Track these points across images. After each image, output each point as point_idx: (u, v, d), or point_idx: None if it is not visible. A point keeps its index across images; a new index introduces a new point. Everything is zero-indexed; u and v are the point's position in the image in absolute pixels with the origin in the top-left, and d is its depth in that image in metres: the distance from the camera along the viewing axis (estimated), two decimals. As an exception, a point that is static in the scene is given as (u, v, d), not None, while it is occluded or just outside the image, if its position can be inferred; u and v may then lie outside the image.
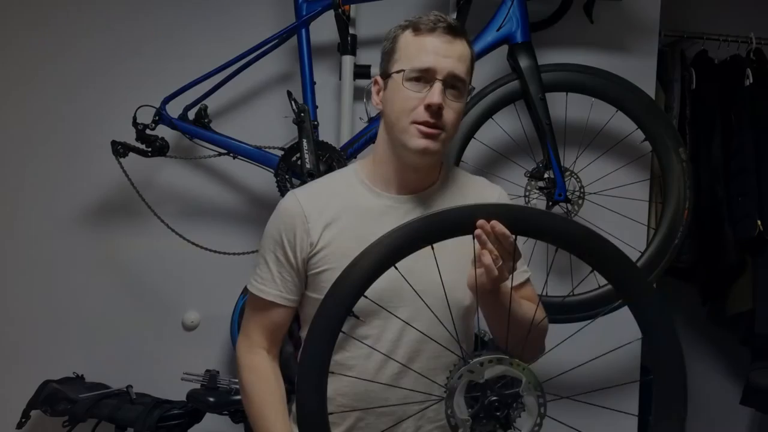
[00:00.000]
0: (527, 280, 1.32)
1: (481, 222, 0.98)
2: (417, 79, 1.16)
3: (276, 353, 1.29)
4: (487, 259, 1.03)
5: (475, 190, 1.30)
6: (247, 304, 1.31)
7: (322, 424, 0.95)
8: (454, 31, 1.17)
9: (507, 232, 0.98)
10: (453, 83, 1.16)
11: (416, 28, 1.18)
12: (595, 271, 0.99)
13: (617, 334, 1.98)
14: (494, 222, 0.98)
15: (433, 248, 0.98)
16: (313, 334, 0.96)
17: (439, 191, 1.27)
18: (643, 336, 0.94)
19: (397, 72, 1.18)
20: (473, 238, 1.01)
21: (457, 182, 1.30)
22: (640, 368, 2.11)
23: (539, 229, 0.98)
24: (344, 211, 1.23)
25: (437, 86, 1.14)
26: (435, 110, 1.14)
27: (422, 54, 1.16)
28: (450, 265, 1.19)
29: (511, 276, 1.08)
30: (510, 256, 1.03)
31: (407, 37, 1.19)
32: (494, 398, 0.94)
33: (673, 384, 0.94)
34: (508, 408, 0.95)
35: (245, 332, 1.29)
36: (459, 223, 0.98)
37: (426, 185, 1.26)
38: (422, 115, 1.15)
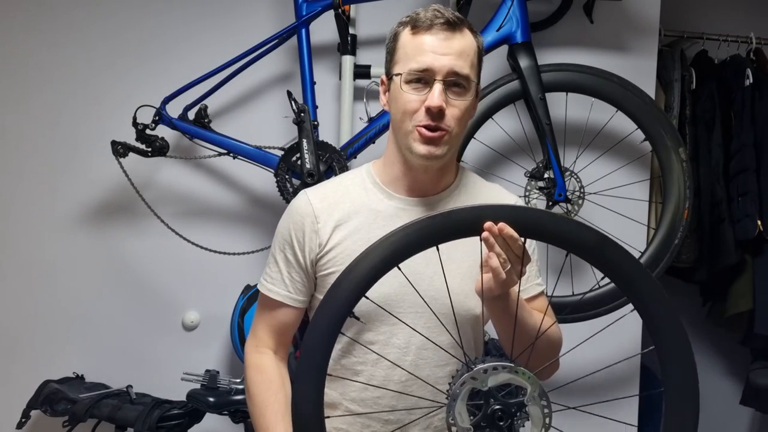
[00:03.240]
0: (541, 293, 1.28)
1: (488, 224, 0.94)
2: (417, 80, 1.14)
3: (284, 354, 1.28)
4: (494, 262, 0.99)
5: (489, 197, 1.27)
6: (257, 302, 1.30)
7: (316, 427, 0.93)
8: (453, 25, 1.14)
9: (515, 234, 0.94)
10: (455, 81, 1.13)
11: (414, 25, 1.15)
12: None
13: (617, 339, 2.00)
14: (502, 224, 0.94)
15: (438, 249, 0.95)
16: (312, 335, 0.93)
17: (452, 196, 1.24)
18: (656, 348, 0.91)
19: (397, 74, 1.16)
20: (480, 241, 0.97)
21: (471, 188, 1.27)
22: (640, 368, 2.12)
23: (549, 233, 0.93)
24: (355, 212, 1.21)
25: (437, 87, 1.12)
26: (435, 113, 1.12)
27: (420, 54, 1.13)
28: (462, 272, 1.18)
29: (519, 281, 1.04)
30: (519, 260, 1.00)
31: (406, 36, 1.16)
32: (497, 407, 0.91)
33: (686, 400, 0.90)
34: (512, 417, 0.91)
35: (253, 331, 1.28)
36: (465, 224, 0.94)
37: (439, 188, 1.24)
38: (424, 118, 1.13)
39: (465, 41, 1.15)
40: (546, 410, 0.91)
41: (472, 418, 0.92)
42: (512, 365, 0.91)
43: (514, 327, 1.06)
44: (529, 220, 0.94)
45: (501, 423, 0.91)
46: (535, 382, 0.91)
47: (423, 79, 1.13)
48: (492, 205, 0.97)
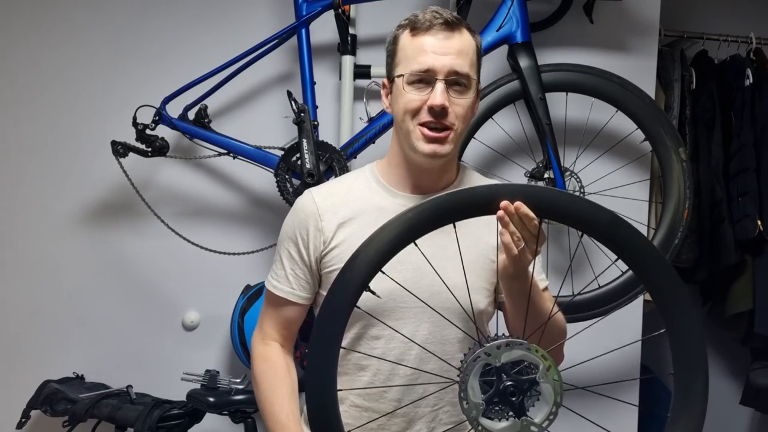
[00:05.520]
0: (545, 288, 1.29)
1: (504, 203, 0.94)
2: (419, 81, 1.16)
3: (290, 348, 1.31)
4: (507, 238, 1.00)
5: None
6: (264, 298, 1.32)
7: (330, 398, 0.91)
8: (452, 25, 1.16)
9: (531, 213, 0.95)
10: (456, 80, 1.16)
11: (413, 27, 1.17)
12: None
13: (617, 334, 1.99)
14: (518, 203, 0.94)
15: (455, 227, 0.95)
16: (326, 309, 0.91)
17: None
18: (666, 328, 0.91)
19: (399, 76, 1.18)
20: (497, 226, 0.98)
21: (472, 185, 1.28)
22: (640, 367, 2.12)
23: (564, 213, 0.93)
24: (359, 210, 1.23)
25: (439, 87, 1.14)
26: (438, 111, 1.14)
27: (420, 55, 1.15)
28: (465, 266, 1.19)
29: (533, 260, 1.05)
30: (533, 239, 1.00)
31: (405, 38, 1.19)
32: (510, 383, 0.90)
33: (695, 384, 0.92)
34: (524, 394, 0.91)
35: (260, 325, 1.31)
36: (482, 202, 0.95)
37: (442, 186, 1.25)
38: (426, 116, 1.15)
39: (464, 41, 1.17)
40: (558, 388, 0.91)
41: (483, 395, 0.91)
42: (525, 342, 0.91)
43: (527, 306, 1.06)
44: (544, 199, 0.94)
45: (513, 399, 0.91)
46: (548, 359, 0.91)
47: (425, 79, 1.16)
48: (510, 184, 0.98)
